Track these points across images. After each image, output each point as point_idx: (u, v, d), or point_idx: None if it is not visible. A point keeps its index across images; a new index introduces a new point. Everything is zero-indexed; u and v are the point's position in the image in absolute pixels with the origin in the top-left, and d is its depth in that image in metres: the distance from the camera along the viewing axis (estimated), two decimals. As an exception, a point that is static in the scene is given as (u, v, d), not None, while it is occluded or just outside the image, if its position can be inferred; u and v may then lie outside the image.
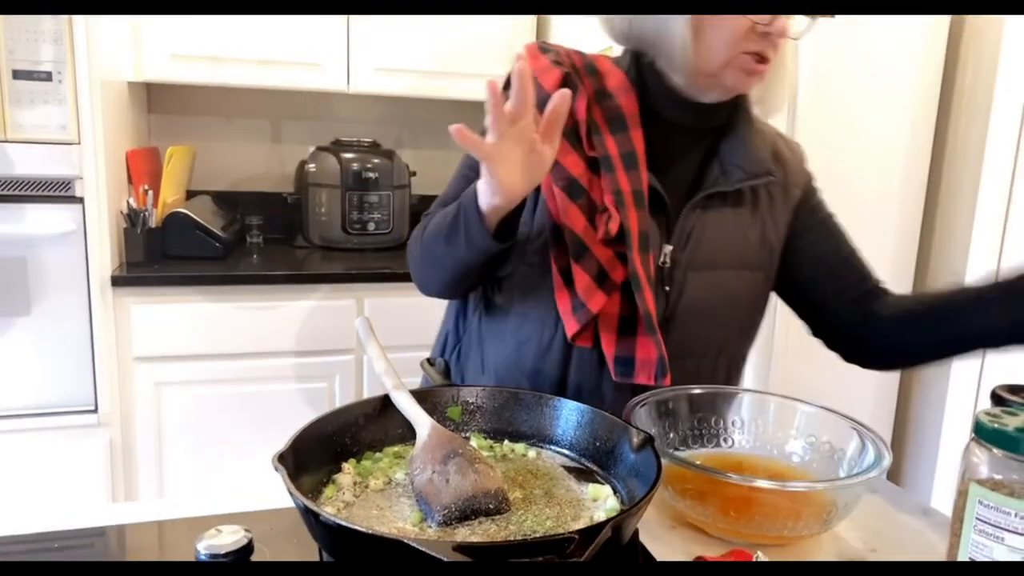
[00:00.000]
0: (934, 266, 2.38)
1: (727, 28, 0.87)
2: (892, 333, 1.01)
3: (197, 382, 2.01)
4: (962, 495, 0.55)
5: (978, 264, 2.18)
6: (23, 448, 1.89)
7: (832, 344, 1.11)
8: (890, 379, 2.37)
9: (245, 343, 2.03)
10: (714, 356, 1.03)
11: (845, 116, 2.13)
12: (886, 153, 2.23)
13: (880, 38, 2.08)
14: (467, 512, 0.68)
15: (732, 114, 1.00)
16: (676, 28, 0.88)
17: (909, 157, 2.27)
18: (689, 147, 1.00)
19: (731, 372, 1.08)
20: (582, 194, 0.93)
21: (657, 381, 0.95)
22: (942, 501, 2.20)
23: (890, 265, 2.31)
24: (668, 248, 0.97)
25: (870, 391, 2.33)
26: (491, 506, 0.69)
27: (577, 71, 0.96)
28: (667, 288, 0.97)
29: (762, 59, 0.88)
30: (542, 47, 0.98)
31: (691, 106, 0.96)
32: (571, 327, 0.94)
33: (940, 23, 2.17)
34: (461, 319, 1.12)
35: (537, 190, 0.97)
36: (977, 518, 0.54)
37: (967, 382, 2.17)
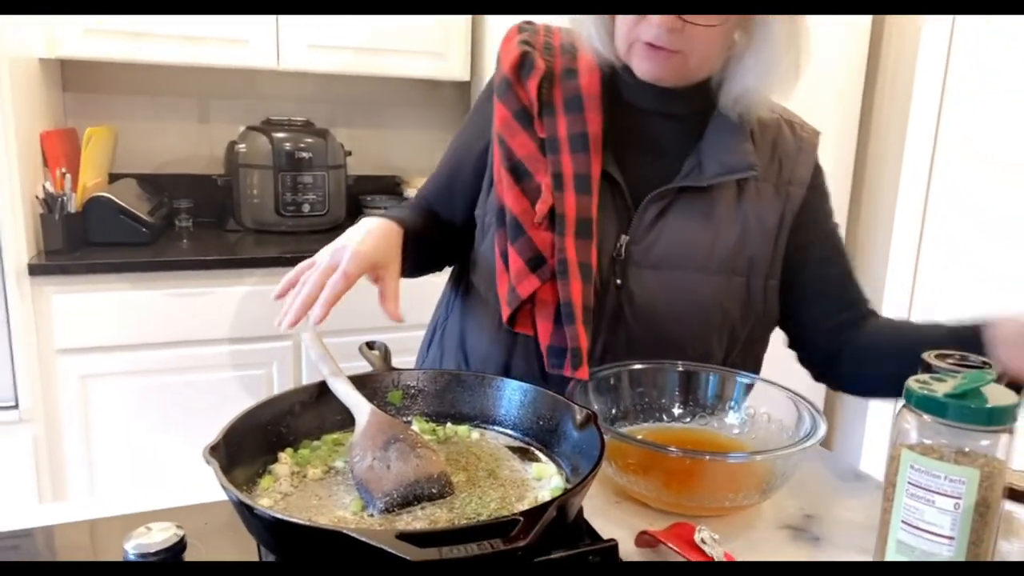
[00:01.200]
0: (860, 249, 2.46)
1: (621, 17, 0.87)
2: (864, 361, 0.97)
3: (126, 373, 1.93)
4: (894, 460, 0.57)
5: (899, 255, 2.26)
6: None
7: (805, 361, 1.06)
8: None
9: (177, 331, 1.95)
10: (674, 359, 0.98)
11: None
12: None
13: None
14: (409, 498, 0.67)
15: (707, 103, 0.94)
16: (584, 18, 0.91)
17: (838, 135, 2.34)
18: (664, 134, 0.95)
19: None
20: (527, 176, 0.91)
21: (571, 373, 0.90)
22: (872, 465, 2.29)
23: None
24: (624, 239, 0.93)
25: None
26: (434, 491, 0.68)
27: (549, 48, 0.94)
28: (619, 281, 0.93)
29: (655, 47, 0.86)
30: (522, 26, 0.97)
31: (646, 87, 0.92)
32: (504, 312, 0.92)
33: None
34: (447, 301, 1.11)
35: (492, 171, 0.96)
36: (909, 482, 0.55)
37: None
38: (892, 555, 0.57)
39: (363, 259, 0.81)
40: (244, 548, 0.71)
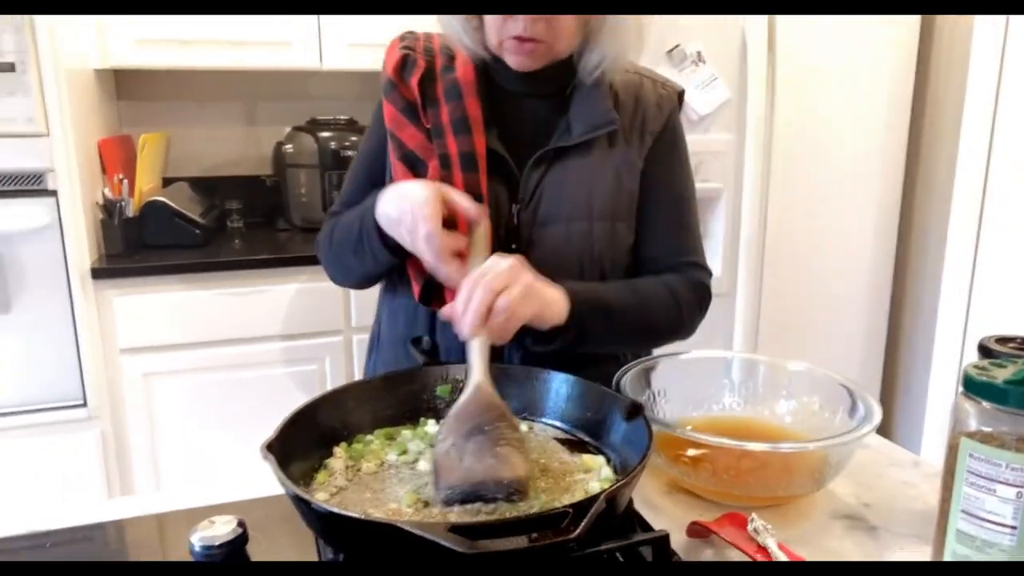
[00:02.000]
0: (915, 242, 2.39)
1: (489, 15, 0.93)
2: None
3: (185, 371, 1.99)
4: (952, 449, 0.55)
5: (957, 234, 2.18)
6: (15, 446, 1.87)
7: None
8: (877, 337, 2.39)
9: (232, 329, 2.01)
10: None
11: (825, 97, 2.14)
12: (866, 125, 2.23)
13: (857, 23, 2.08)
14: (472, 497, 0.66)
15: (569, 78, 0.99)
16: (450, 18, 0.97)
17: (888, 127, 2.27)
18: (538, 111, 1.01)
19: None
20: (419, 165, 0.97)
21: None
22: (931, 454, 2.23)
23: (872, 237, 2.32)
24: (516, 207, 0.98)
25: (857, 348, 2.35)
26: (499, 496, 0.66)
27: (429, 51, 1.01)
28: (514, 246, 0.98)
29: (523, 39, 0.91)
30: (403, 35, 1.05)
31: (520, 76, 0.97)
32: (415, 290, 0.97)
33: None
34: (379, 302, 1.14)
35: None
36: (968, 471, 0.54)
37: (952, 335, 2.19)
38: (952, 545, 0.56)
39: (437, 206, 0.85)
40: (303, 540, 0.74)
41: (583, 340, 0.91)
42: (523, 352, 0.98)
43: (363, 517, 0.56)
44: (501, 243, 0.96)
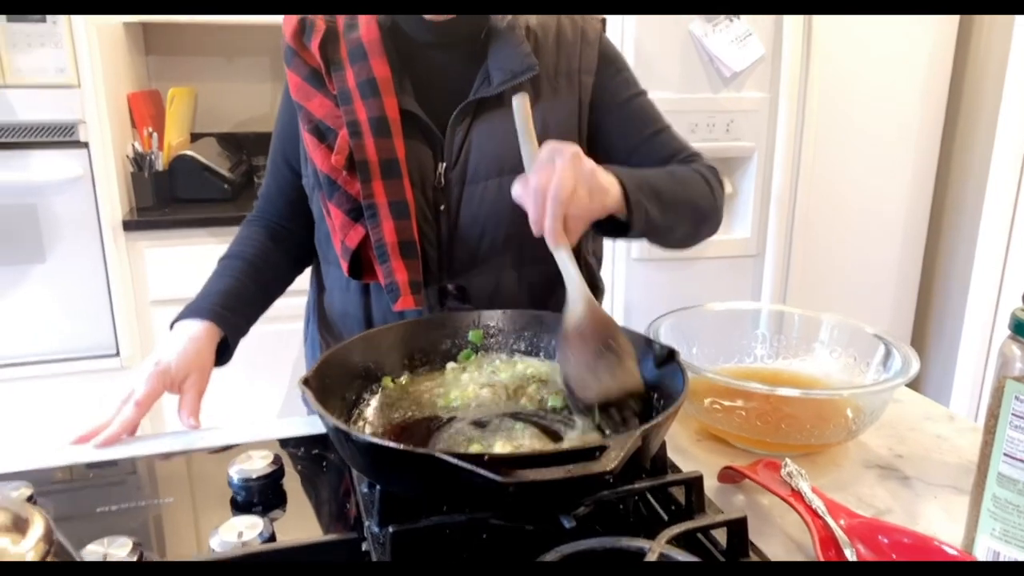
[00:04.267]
0: (951, 203, 2.34)
1: None
2: None
3: (215, 324, 2.02)
4: (998, 392, 0.54)
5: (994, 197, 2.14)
6: (50, 394, 1.92)
7: None
8: (907, 299, 2.36)
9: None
10: (515, 267, 0.97)
11: (862, 54, 2.09)
12: (904, 82, 2.17)
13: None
14: (610, 409, 0.70)
15: (483, 22, 0.95)
16: None
17: (927, 85, 2.21)
18: (453, 63, 0.96)
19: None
20: (329, 133, 0.93)
21: (397, 308, 0.92)
22: (962, 406, 2.23)
23: (907, 200, 2.28)
24: (442, 167, 0.94)
25: (887, 310, 2.33)
26: (633, 407, 0.70)
27: (331, 19, 0.95)
28: (442, 207, 0.94)
29: None
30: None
31: (429, 25, 0.93)
32: (343, 266, 0.94)
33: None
34: (310, 279, 1.14)
35: None
36: (1013, 414, 0.53)
37: (988, 290, 2.16)
38: (992, 488, 0.55)
39: (155, 382, 0.89)
40: (335, 476, 0.75)
41: (649, 227, 0.86)
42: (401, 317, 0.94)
43: (403, 448, 0.56)
44: (429, 205, 0.94)
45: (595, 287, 1.08)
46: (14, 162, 1.79)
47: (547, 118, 0.95)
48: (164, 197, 2.03)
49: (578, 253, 1.02)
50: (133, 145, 1.99)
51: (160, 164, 2.02)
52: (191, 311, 0.95)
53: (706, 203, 0.97)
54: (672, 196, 0.90)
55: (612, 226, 0.84)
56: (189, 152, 2.07)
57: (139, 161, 1.98)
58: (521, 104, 0.78)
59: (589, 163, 0.76)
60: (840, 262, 2.26)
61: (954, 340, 2.29)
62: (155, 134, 2.00)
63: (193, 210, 2.00)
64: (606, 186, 0.79)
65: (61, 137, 1.80)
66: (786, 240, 2.19)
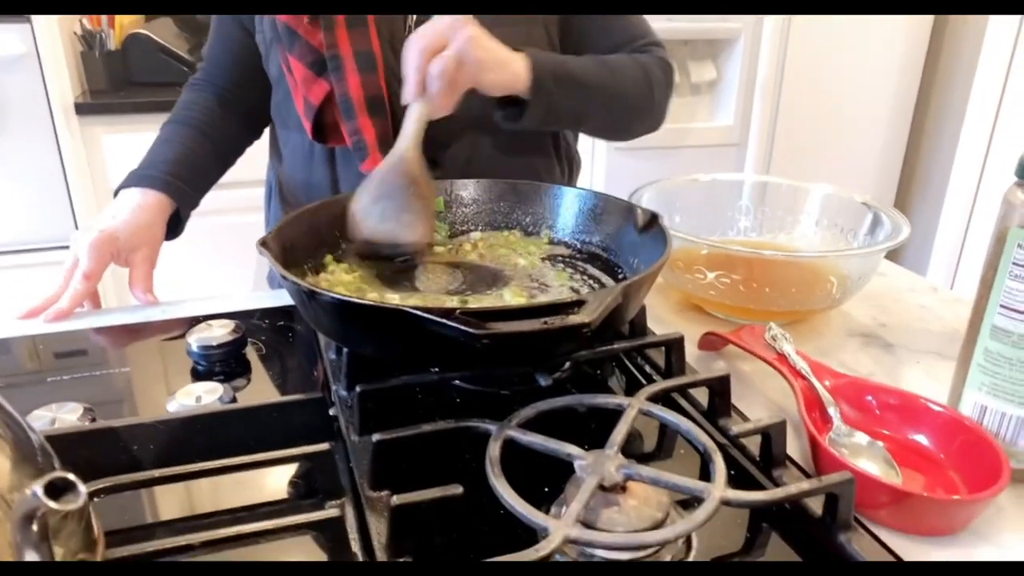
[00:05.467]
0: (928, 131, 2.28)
1: None
2: None
3: (180, 214, 1.94)
4: (999, 241, 0.51)
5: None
6: (7, 285, 1.85)
7: None
8: (889, 180, 2.35)
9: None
10: (490, 132, 0.90)
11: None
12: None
13: None
14: (369, 255, 0.72)
15: None
16: None
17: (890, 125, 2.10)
18: None
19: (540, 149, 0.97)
20: None
21: (364, 169, 0.85)
22: (939, 279, 2.27)
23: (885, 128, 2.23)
24: (413, 18, 0.86)
25: (870, 178, 2.31)
26: (396, 257, 0.72)
27: None
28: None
29: None
30: None
31: None
32: (307, 127, 0.87)
33: None
34: (270, 147, 1.06)
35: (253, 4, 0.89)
36: (1014, 263, 0.51)
37: (969, 172, 2.16)
38: (984, 342, 0.53)
39: (103, 251, 0.82)
40: (300, 342, 0.72)
41: (552, 113, 0.81)
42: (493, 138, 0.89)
43: (373, 303, 0.52)
44: (398, 61, 0.78)
45: (571, 160, 1.03)
46: (-50, 38, 1.66)
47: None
48: (118, 79, 1.91)
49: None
50: (80, 22, 1.85)
51: (112, 43, 1.89)
52: (139, 178, 0.88)
53: (637, 95, 0.90)
54: (596, 84, 0.85)
55: (519, 112, 0.80)
56: (143, 31, 1.94)
57: (88, 39, 1.85)
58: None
59: (476, 28, 0.72)
60: (824, 146, 2.22)
61: (935, 211, 2.30)
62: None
63: (150, 93, 1.88)
64: (500, 57, 0.75)
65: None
66: (770, 125, 2.13)
